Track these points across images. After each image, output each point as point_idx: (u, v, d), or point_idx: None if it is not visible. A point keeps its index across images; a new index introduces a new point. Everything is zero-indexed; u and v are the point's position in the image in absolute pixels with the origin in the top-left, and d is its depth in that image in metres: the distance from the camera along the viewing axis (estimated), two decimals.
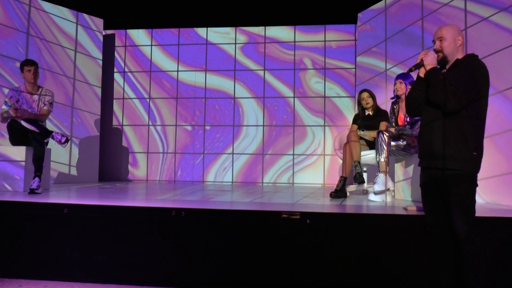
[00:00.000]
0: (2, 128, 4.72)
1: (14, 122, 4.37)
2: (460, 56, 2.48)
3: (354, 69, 6.90)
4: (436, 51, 2.50)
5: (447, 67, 2.51)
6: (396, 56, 5.62)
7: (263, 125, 7.06)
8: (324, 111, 6.97)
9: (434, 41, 2.54)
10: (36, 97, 4.61)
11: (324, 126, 6.93)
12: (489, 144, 3.94)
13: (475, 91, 2.32)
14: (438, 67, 2.55)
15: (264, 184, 6.94)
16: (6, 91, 5.39)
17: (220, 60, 7.31)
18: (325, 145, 6.92)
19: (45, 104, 4.65)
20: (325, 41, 7.06)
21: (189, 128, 7.22)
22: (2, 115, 4.44)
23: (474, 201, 2.37)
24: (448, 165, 2.35)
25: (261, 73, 7.19)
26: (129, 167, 7.30)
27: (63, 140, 4.38)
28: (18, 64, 4.94)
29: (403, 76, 4.17)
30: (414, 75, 3.21)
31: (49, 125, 4.81)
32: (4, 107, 4.48)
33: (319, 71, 7.07)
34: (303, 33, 7.16)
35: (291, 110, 7.06)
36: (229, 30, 7.34)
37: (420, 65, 2.50)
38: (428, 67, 2.45)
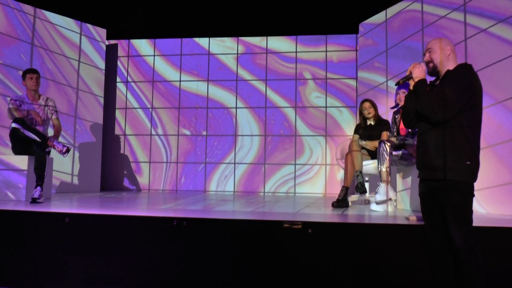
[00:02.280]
0: (5, 137, 4.75)
1: (17, 130, 4.40)
2: (451, 67, 2.51)
3: (355, 84, 6.91)
4: (427, 62, 2.54)
5: (440, 78, 2.55)
6: (398, 69, 5.65)
7: (265, 135, 7.07)
8: (325, 127, 6.97)
9: (423, 54, 2.60)
10: (38, 105, 4.65)
11: (326, 136, 6.94)
12: (491, 154, 3.95)
13: (463, 101, 2.32)
14: (433, 78, 2.59)
15: (265, 193, 6.93)
16: (8, 97, 5.46)
17: (213, 68, 7.35)
18: (326, 155, 6.92)
19: (52, 114, 4.74)
20: (326, 51, 7.09)
21: (188, 133, 7.24)
22: (10, 111, 4.46)
23: (470, 211, 2.36)
24: (440, 176, 2.35)
25: (259, 84, 7.22)
26: (133, 176, 7.31)
27: (64, 150, 4.41)
28: (21, 73, 4.99)
29: (406, 86, 4.19)
30: None
31: (51, 134, 4.83)
32: (11, 105, 4.51)
33: (319, 85, 7.08)
34: (303, 46, 7.20)
35: (289, 125, 7.07)
36: (228, 40, 7.38)
37: (408, 77, 2.54)
38: (416, 79, 2.49)
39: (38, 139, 4.36)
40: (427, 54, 2.55)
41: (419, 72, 2.50)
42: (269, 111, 7.15)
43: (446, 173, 2.34)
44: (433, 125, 2.39)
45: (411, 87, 2.54)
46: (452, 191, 2.33)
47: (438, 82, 2.54)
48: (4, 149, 5.18)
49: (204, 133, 7.22)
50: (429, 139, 2.43)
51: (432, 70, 2.54)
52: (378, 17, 6.17)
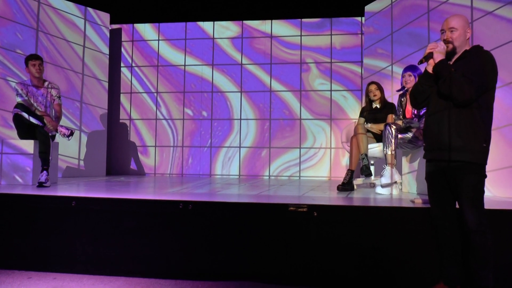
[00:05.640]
0: (11, 120, 4.75)
1: (20, 116, 4.40)
2: (467, 47, 2.47)
3: (360, 70, 6.84)
4: (446, 42, 2.47)
5: (454, 58, 2.49)
6: (403, 54, 5.58)
7: (270, 119, 7.05)
8: (330, 112, 6.93)
9: (442, 31, 2.51)
10: (42, 90, 4.65)
11: (331, 119, 6.91)
12: (498, 136, 3.92)
13: (487, 83, 2.32)
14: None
15: (271, 177, 6.94)
16: (9, 79, 5.46)
17: (211, 51, 7.30)
18: (331, 139, 6.90)
19: (54, 100, 4.72)
20: (331, 34, 7.01)
21: (190, 113, 7.24)
22: (18, 107, 4.45)
23: (483, 192, 2.37)
24: (458, 157, 2.34)
25: (257, 70, 7.16)
26: (139, 161, 7.34)
27: (67, 134, 4.44)
28: (18, 51, 5.08)
29: (412, 69, 4.14)
30: (422, 67, 3.17)
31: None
32: (19, 99, 4.49)
33: (323, 72, 7.01)
34: (305, 31, 7.11)
35: (289, 113, 7.02)
36: (226, 23, 7.32)
37: (429, 56, 2.47)
38: (437, 60, 2.43)
39: (41, 124, 4.38)
40: (448, 33, 2.46)
41: (439, 52, 2.45)
42: (268, 98, 7.11)
43: (463, 154, 2.33)
44: (455, 106, 2.35)
45: (430, 68, 2.47)
46: (468, 173, 2.33)
47: (452, 62, 2.49)
48: (11, 133, 5.18)
49: (204, 113, 7.21)
50: (445, 119, 2.39)
51: (451, 51, 2.47)
52: (383, 2, 6.08)
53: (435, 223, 2.56)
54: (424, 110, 3.86)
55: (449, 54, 2.48)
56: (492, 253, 2.32)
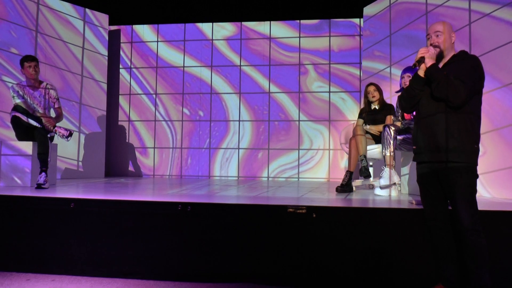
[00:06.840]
0: (9, 122, 4.75)
1: (18, 118, 4.40)
2: (453, 52, 2.55)
3: (358, 72, 6.85)
4: (434, 46, 2.52)
5: (442, 62, 2.53)
6: (400, 56, 5.59)
7: (269, 120, 7.05)
8: (328, 114, 6.94)
9: (428, 35, 2.57)
10: (40, 91, 4.64)
11: (329, 121, 6.91)
12: (497, 137, 3.93)
13: (478, 85, 2.41)
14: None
15: (269, 178, 6.94)
16: (5, 79, 5.46)
17: (204, 49, 7.30)
18: (329, 141, 6.90)
19: (54, 103, 4.73)
20: (330, 36, 7.02)
21: (187, 112, 7.25)
22: (17, 109, 4.44)
23: (476, 191, 2.43)
24: (456, 158, 2.39)
25: (252, 71, 7.16)
26: (137, 162, 7.33)
27: (66, 134, 4.43)
28: (13, 50, 5.15)
29: (411, 70, 4.15)
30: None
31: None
32: (17, 100, 4.48)
33: (321, 75, 7.01)
34: (303, 33, 7.12)
35: (285, 117, 7.02)
36: (225, 24, 7.32)
37: (421, 61, 2.51)
38: (428, 64, 2.47)
39: (39, 125, 4.37)
40: (434, 38, 2.53)
41: (431, 56, 2.48)
42: (265, 100, 7.11)
43: (458, 155, 2.39)
44: (450, 109, 2.39)
45: (422, 73, 2.50)
46: (462, 173, 2.38)
47: (440, 66, 2.52)
48: (9, 133, 5.17)
49: (201, 113, 7.21)
50: (440, 122, 2.43)
51: (439, 54, 2.53)
52: (381, 4, 6.08)
53: (429, 224, 2.58)
54: None
55: (437, 58, 2.52)
56: (487, 251, 2.35)
